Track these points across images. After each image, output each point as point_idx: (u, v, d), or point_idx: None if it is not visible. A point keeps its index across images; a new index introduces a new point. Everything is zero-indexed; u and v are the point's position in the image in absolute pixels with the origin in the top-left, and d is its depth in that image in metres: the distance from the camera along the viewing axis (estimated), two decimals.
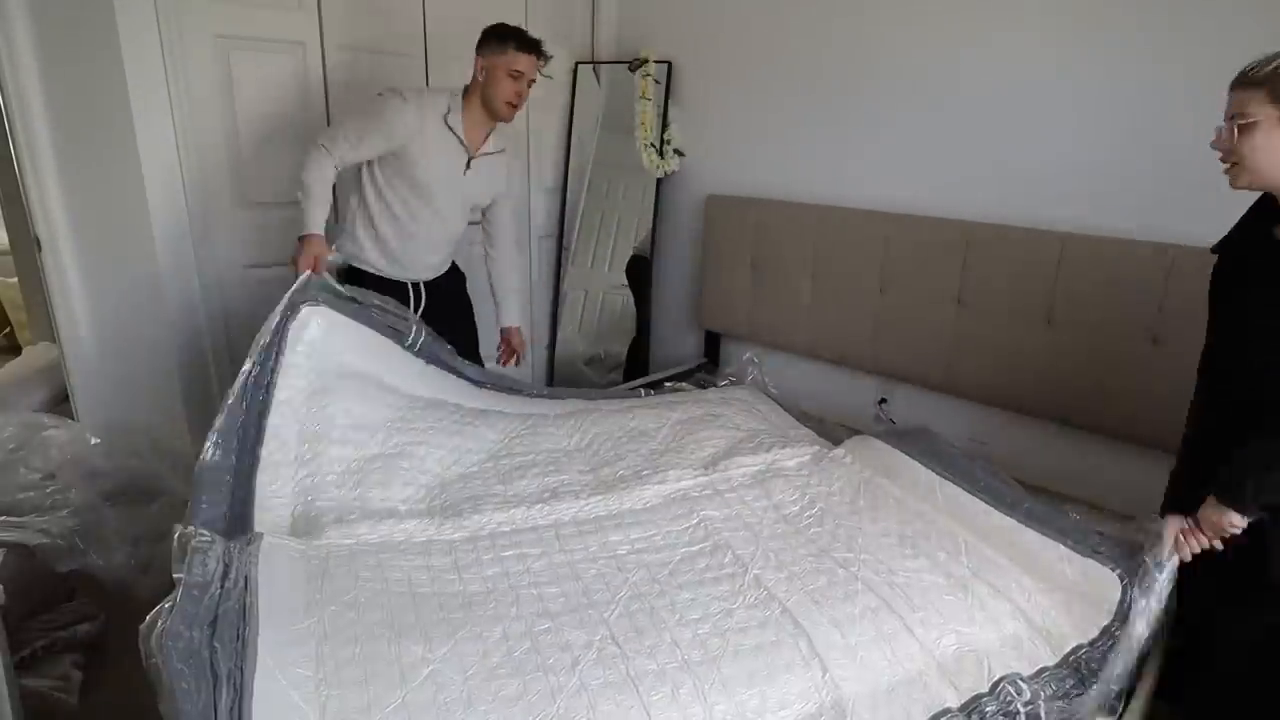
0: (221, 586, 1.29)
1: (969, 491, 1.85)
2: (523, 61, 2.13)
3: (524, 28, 2.21)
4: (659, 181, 3.20)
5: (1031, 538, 1.68)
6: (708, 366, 3.17)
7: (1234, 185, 1.33)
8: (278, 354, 1.84)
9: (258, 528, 1.56)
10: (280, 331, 1.85)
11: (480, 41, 2.18)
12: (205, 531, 1.41)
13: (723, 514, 1.84)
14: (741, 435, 2.28)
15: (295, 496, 1.72)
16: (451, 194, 2.22)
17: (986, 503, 1.80)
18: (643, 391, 2.72)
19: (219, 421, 1.68)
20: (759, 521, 1.83)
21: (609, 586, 1.51)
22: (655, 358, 3.41)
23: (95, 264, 2.44)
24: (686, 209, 3.24)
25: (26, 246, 2.75)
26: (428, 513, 1.77)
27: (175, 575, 1.27)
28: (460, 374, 2.31)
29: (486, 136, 2.24)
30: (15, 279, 3.71)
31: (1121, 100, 2.09)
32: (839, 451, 2.17)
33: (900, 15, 2.48)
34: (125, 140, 2.29)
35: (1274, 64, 1.25)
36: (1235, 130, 1.28)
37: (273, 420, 1.77)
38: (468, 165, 2.20)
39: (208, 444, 1.64)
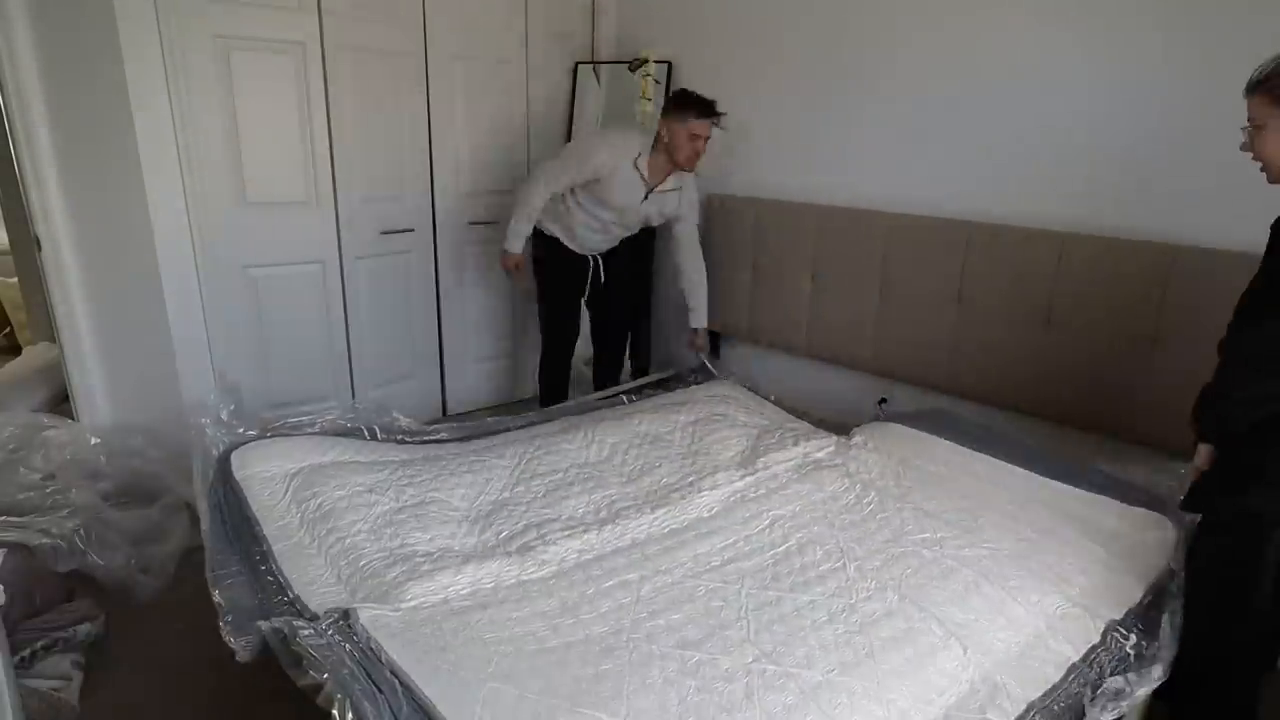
0: (375, 688, 1.18)
1: (1004, 461, 2.00)
2: (699, 127, 2.55)
3: (703, 96, 2.57)
4: None
5: (1077, 497, 1.86)
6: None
7: (1272, 182, 1.38)
8: (236, 498, 1.81)
9: (304, 589, 1.51)
10: (224, 478, 1.85)
11: (665, 107, 2.63)
12: (305, 625, 1.31)
13: (789, 510, 1.87)
14: (755, 431, 2.34)
15: (331, 562, 1.63)
16: (631, 212, 2.74)
17: (1024, 469, 1.97)
18: (625, 399, 2.70)
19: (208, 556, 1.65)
20: (824, 514, 1.87)
21: (727, 603, 1.49)
22: (655, 358, 3.41)
23: (95, 264, 2.45)
24: None
25: (26, 246, 2.76)
26: (497, 550, 1.70)
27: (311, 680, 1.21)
28: (438, 439, 2.29)
29: (667, 176, 2.68)
30: (15, 279, 3.71)
31: (1122, 101, 2.09)
32: (858, 439, 2.24)
33: (900, 16, 2.48)
34: (125, 140, 2.29)
35: (1269, 68, 1.28)
36: (1252, 135, 1.34)
37: (277, 558, 1.64)
38: (646, 196, 2.69)
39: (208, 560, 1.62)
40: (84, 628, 1.86)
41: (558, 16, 3.28)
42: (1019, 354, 2.30)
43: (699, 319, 2.95)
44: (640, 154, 2.60)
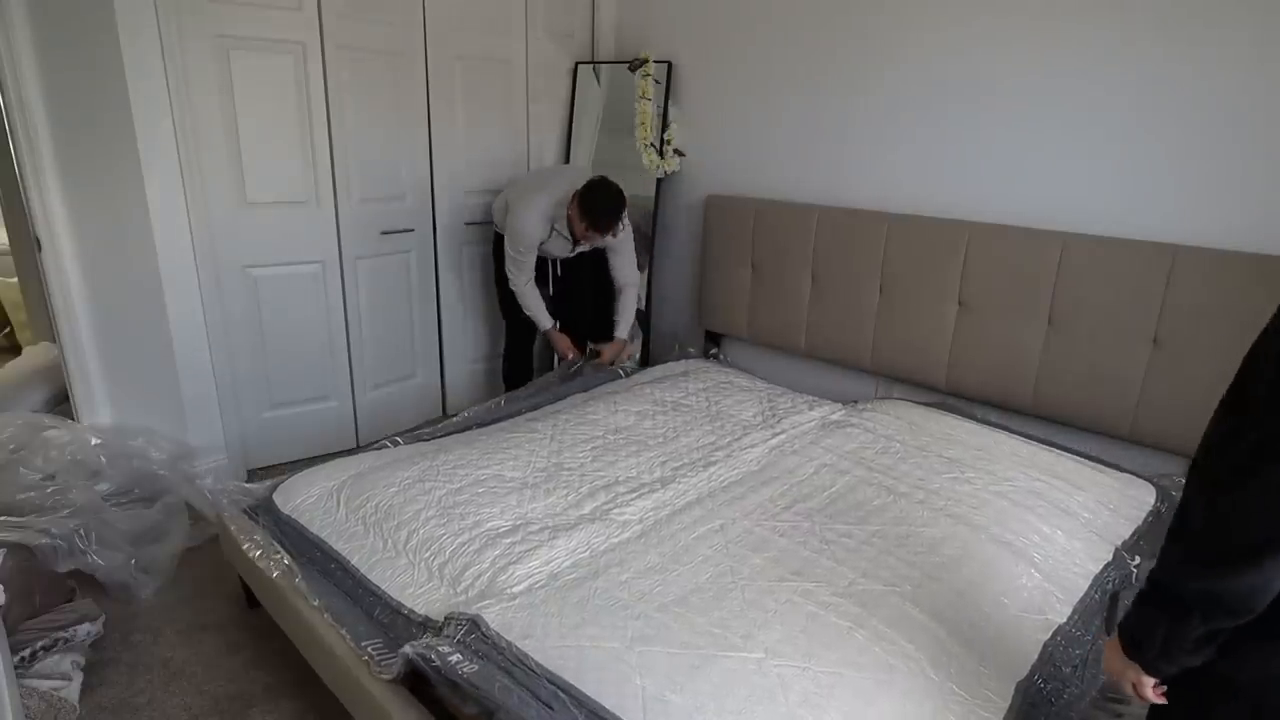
0: (546, 705, 1.18)
1: (1006, 431, 2.22)
2: (591, 235, 2.67)
3: (613, 208, 2.60)
4: (659, 181, 3.20)
5: (1070, 459, 2.07)
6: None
7: None
8: (294, 529, 1.81)
9: (401, 594, 1.53)
10: (274, 518, 1.86)
11: (580, 194, 2.61)
12: (449, 647, 1.28)
13: (829, 459, 2.07)
14: (763, 396, 2.59)
15: (414, 557, 1.63)
16: (562, 256, 2.93)
17: (1022, 437, 2.18)
18: (622, 372, 2.92)
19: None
20: (860, 460, 2.06)
21: (807, 539, 1.66)
22: (655, 358, 3.40)
23: (95, 264, 2.44)
24: (686, 209, 3.24)
25: (26, 246, 2.75)
26: (576, 517, 1.74)
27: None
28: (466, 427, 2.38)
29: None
30: (15, 279, 3.71)
31: (1120, 99, 2.08)
32: (863, 406, 2.48)
33: (899, 16, 2.48)
34: (125, 140, 2.29)
35: None
36: None
37: (360, 569, 1.64)
38: (574, 247, 2.84)
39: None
40: (84, 628, 1.86)
41: (558, 16, 3.28)
42: (1019, 354, 2.31)
43: (620, 331, 2.99)
44: (558, 218, 2.74)
